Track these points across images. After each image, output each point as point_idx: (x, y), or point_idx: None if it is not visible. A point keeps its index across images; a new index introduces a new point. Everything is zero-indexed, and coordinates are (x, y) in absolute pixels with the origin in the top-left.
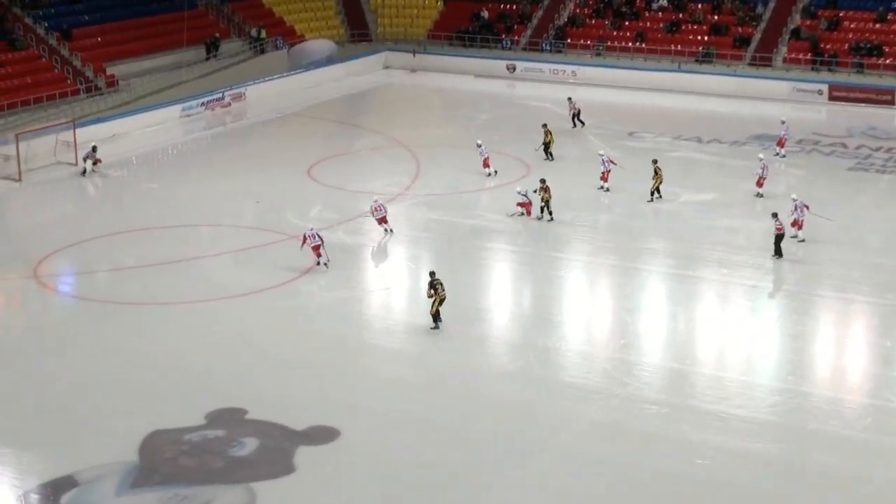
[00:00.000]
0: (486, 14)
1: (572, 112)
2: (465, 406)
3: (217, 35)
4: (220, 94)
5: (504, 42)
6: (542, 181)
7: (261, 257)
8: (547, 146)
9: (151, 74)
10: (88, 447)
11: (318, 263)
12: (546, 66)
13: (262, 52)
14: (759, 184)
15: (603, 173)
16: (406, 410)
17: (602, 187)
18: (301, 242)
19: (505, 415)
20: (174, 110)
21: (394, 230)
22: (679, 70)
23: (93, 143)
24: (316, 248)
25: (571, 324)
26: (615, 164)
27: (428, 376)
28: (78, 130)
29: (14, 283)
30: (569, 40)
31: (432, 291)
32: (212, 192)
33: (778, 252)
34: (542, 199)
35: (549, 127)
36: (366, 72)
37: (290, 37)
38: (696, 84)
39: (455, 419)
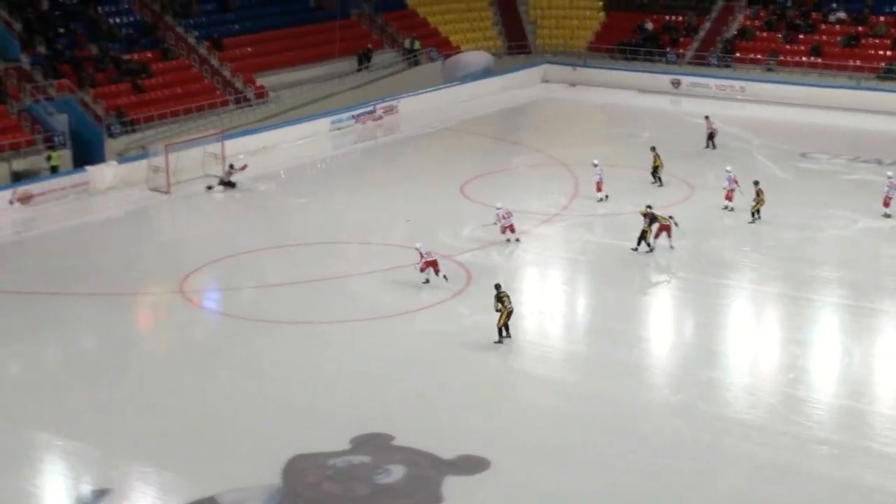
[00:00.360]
0: (650, 26)
1: (708, 132)
2: (621, 439)
3: (370, 46)
4: (372, 107)
5: (669, 55)
6: (648, 207)
7: (411, 277)
8: (655, 170)
9: (301, 86)
10: (231, 468)
11: (441, 276)
12: (713, 82)
13: (416, 63)
14: (886, 203)
15: (727, 192)
16: (559, 441)
17: (727, 207)
18: (422, 266)
19: (663, 450)
20: (324, 123)
21: (520, 239)
22: (858, 87)
23: (229, 162)
24: (432, 264)
25: (735, 355)
26: (738, 184)
27: (582, 406)
28: (226, 142)
29: (159, 297)
30: (738, 54)
31: (499, 305)
32: (361, 208)
33: None
34: (645, 228)
35: (657, 151)
36: (523, 85)
37: (445, 48)
38: (876, 102)
39: (610, 453)
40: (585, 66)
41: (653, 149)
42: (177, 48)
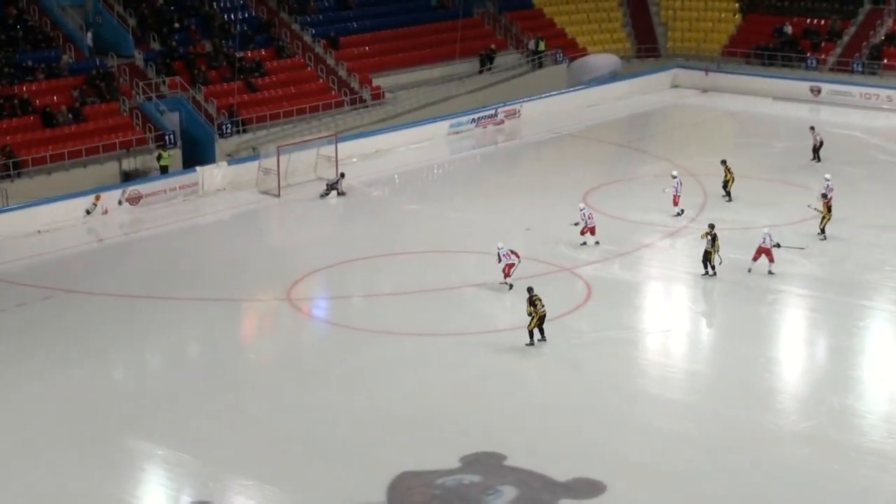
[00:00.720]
0: (789, 29)
1: (814, 144)
2: (744, 468)
3: (493, 47)
4: (493, 111)
5: (809, 61)
6: (710, 226)
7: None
8: (725, 185)
9: (419, 87)
10: (334, 485)
11: (507, 284)
12: (856, 90)
13: (540, 66)
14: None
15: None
16: (679, 467)
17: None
18: (506, 267)
19: (791, 481)
20: (442, 126)
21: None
22: None
23: (341, 171)
24: (510, 267)
25: (871, 381)
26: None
27: (704, 430)
28: (340, 145)
29: (267, 304)
30: (885, 60)
31: (532, 308)
32: (478, 216)
33: None
34: (710, 248)
35: (728, 164)
36: (652, 90)
37: (571, 50)
38: None
39: (734, 482)
40: (718, 70)
41: (723, 162)
42: (291, 46)
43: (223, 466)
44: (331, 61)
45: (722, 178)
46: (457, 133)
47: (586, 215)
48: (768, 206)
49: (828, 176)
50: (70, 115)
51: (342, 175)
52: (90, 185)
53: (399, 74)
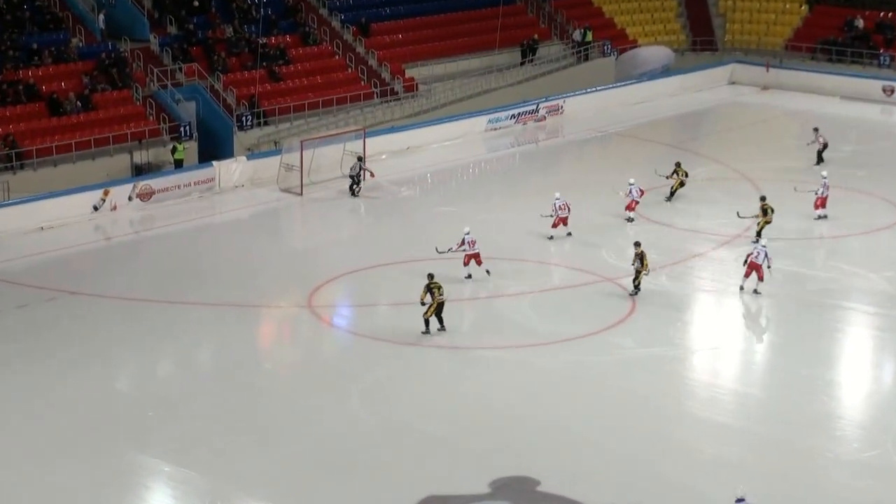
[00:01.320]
0: (860, 23)
1: (819, 147)
2: (800, 499)
3: (535, 37)
4: (534, 106)
5: (882, 58)
6: (637, 244)
7: (568, 301)
8: (672, 191)
9: (455, 79)
10: None
11: (484, 270)
12: None
13: (587, 58)
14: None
15: (820, 199)
16: (726, 496)
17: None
18: (464, 259)
19: None
20: (479, 122)
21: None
22: None
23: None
24: (474, 256)
25: None
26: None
27: (758, 458)
28: (368, 140)
29: (286, 311)
30: None
31: (428, 296)
32: (516, 220)
33: None
34: (639, 268)
35: (681, 167)
36: (707, 87)
37: (620, 42)
38: None
39: None
40: (781, 66)
41: (678, 165)
42: (318, 33)
43: (233, 485)
44: (360, 50)
45: (672, 183)
46: (495, 130)
47: (558, 206)
48: (830, 215)
49: (825, 174)
50: (78, 103)
51: (360, 159)
52: (98, 178)
53: (434, 65)
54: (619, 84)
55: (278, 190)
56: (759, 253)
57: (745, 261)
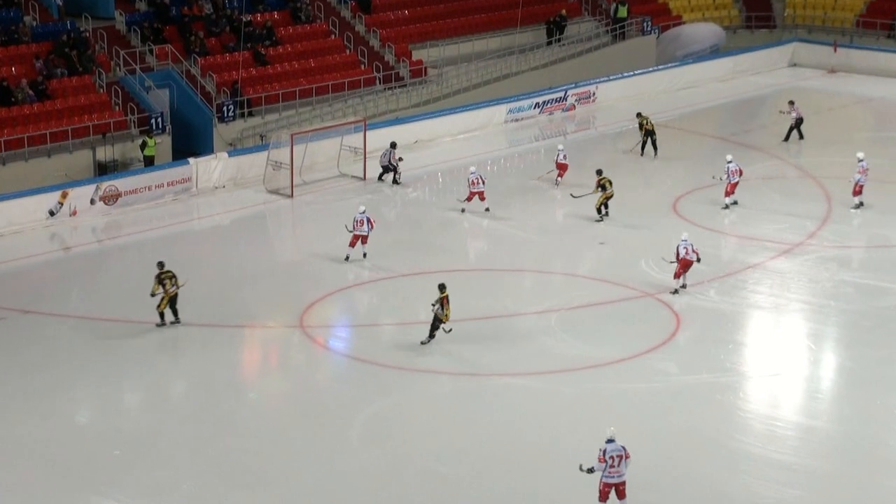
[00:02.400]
0: None
1: (791, 122)
2: None
3: (563, 13)
4: (562, 93)
5: None
6: (441, 287)
7: (602, 319)
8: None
9: (470, 62)
10: None
11: (348, 258)
12: None
13: (623, 37)
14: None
15: (730, 185)
16: None
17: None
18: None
19: None
20: (498, 112)
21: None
22: None
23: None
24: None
25: None
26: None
27: (826, 502)
28: (370, 133)
29: (274, 332)
30: None
31: (159, 288)
32: (540, 226)
33: None
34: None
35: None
36: (764, 70)
37: (662, 18)
38: None
39: None
40: (851, 46)
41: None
42: (311, 9)
43: None
44: (360, 28)
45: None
46: (516, 121)
47: (471, 180)
48: None
49: (730, 157)
50: (31, 92)
51: (393, 145)
52: (55, 179)
53: (445, 46)
54: (660, 67)
55: (265, 191)
56: (687, 248)
57: (674, 259)
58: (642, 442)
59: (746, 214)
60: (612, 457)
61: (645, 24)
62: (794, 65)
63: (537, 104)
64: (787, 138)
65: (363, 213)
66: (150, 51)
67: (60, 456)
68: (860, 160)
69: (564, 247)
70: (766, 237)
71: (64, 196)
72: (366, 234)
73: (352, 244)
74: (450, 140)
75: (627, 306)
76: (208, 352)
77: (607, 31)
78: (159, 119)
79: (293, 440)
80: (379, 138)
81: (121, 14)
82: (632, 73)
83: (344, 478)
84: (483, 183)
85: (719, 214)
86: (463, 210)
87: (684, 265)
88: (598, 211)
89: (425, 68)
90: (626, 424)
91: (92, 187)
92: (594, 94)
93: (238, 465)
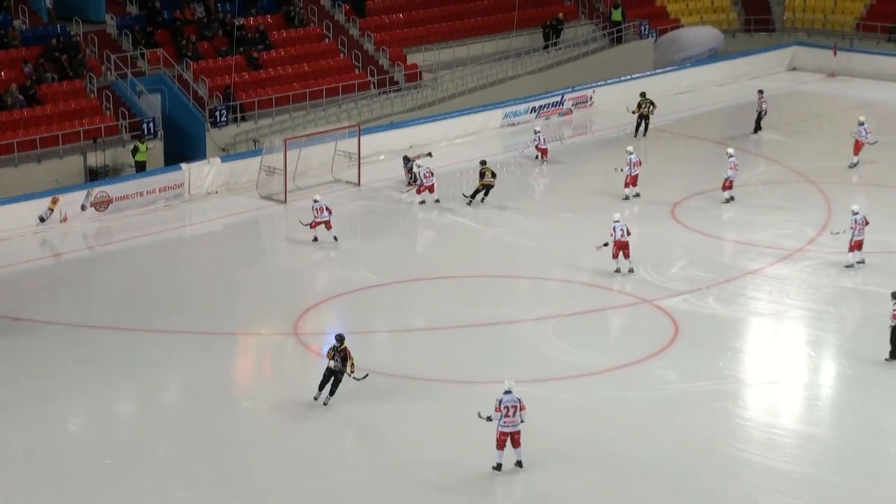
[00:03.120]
0: None
1: (758, 111)
2: None
3: (560, 16)
4: (559, 97)
5: None
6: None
7: (600, 326)
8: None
9: (466, 66)
10: None
11: (316, 239)
12: None
13: (620, 41)
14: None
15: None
16: None
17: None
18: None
19: None
20: (493, 116)
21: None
22: None
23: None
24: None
25: None
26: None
27: None
28: (364, 138)
29: (268, 340)
30: None
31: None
32: (537, 232)
33: None
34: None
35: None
36: (763, 73)
37: (660, 21)
38: None
39: None
40: (851, 49)
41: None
42: (305, 12)
43: None
44: (354, 32)
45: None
46: (512, 126)
47: (423, 174)
48: None
49: (630, 148)
50: (21, 97)
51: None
52: (46, 185)
53: (441, 49)
54: (658, 71)
55: (258, 197)
56: (621, 230)
57: (609, 243)
58: (640, 449)
59: (745, 220)
60: (507, 407)
61: (643, 28)
62: (794, 69)
63: (533, 108)
64: (756, 130)
65: (318, 202)
66: (142, 55)
67: (51, 465)
68: (730, 156)
69: (562, 253)
70: (766, 243)
71: (54, 202)
72: (328, 219)
73: (313, 226)
74: (445, 145)
75: (625, 313)
76: (200, 360)
77: (604, 34)
78: (151, 124)
79: (286, 449)
80: (373, 143)
81: (112, 18)
82: (629, 77)
83: (338, 486)
84: (433, 176)
85: (718, 220)
86: (422, 202)
87: (620, 246)
88: (471, 197)
89: (420, 72)
90: (624, 432)
91: (83, 193)
92: (591, 98)
93: (231, 473)
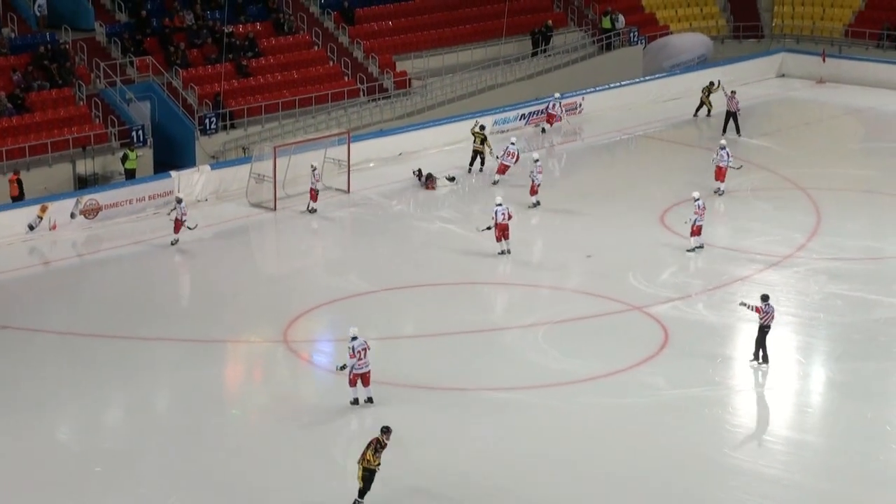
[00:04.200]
0: None
1: (733, 111)
2: None
3: (549, 23)
4: (549, 104)
5: None
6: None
7: (590, 333)
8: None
9: (455, 74)
10: None
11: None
12: None
13: (609, 48)
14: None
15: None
16: None
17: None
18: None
19: None
20: (483, 123)
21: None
22: None
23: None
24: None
25: None
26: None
27: None
28: (354, 145)
29: (258, 347)
30: None
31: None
32: (527, 239)
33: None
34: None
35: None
36: (752, 80)
37: (649, 28)
38: None
39: None
40: (840, 56)
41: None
42: (294, 20)
43: None
44: (344, 39)
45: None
46: (502, 132)
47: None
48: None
49: (512, 138)
50: (10, 105)
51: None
52: (35, 193)
53: (430, 57)
54: (647, 78)
55: (248, 204)
56: (503, 214)
57: (491, 226)
58: (631, 456)
59: (735, 226)
60: (359, 350)
61: (632, 35)
62: (783, 75)
63: (523, 115)
64: (734, 130)
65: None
66: (131, 63)
67: (41, 472)
68: (696, 199)
69: (551, 260)
70: (755, 249)
71: (43, 210)
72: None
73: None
74: (434, 152)
75: (615, 320)
76: (190, 367)
77: (594, 41)
78: (140, 132)
79: (277, 456)
80: (363, 150)
81: (101, 25)
82: (619, 84)
83: (328, 493)
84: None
85: (707, 227)
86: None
87: (501, 229)
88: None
89: (409, 80)
90: (614, 438)
91: (72, 201)
92: (581, 104)
93: (221, 481)
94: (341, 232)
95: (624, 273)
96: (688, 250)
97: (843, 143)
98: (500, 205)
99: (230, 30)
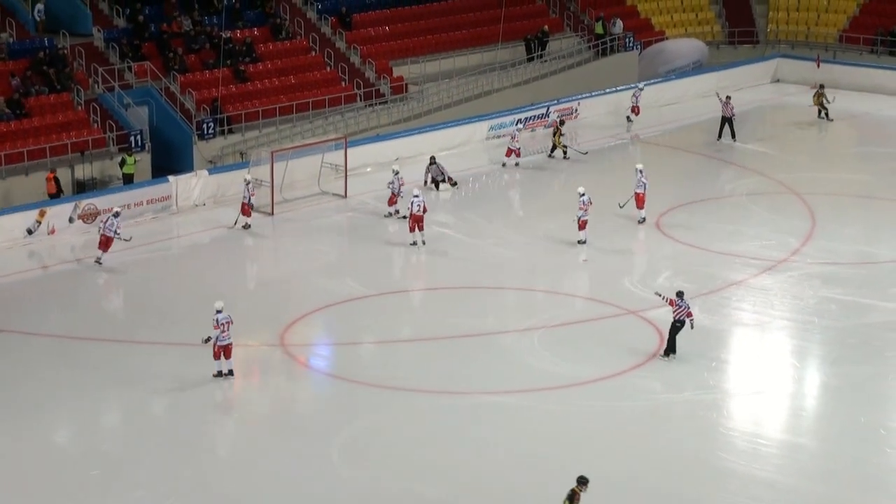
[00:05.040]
0: None
1: (724, 115)
2: None
3: (545, 29)
4: (545, 109)
5: None
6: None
7: (585, 337)
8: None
9: (452, 79)
10: None
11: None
12: None
13: (605, 53)
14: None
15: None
16: None
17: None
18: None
19: None
20: (479, 129)
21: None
22: None
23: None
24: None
25: None
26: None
27: None
28: (351, 150)
29: (254, 351)
30: None
31: None
32: (523, 244)
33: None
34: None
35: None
36: (747, 85)
37: (645, 34)
38: None
39: None
40: (834, 61)
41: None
42: (291, 25)
43: None
44: (341, 45)
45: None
46: (498, 138)
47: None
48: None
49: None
50: (8, 110)
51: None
52: (33, 197)
53: (426, 62)
54: (643, 83)
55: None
56: (418, 206)
57: (407, 215)
58: (626, 459)
59: (730, 231)
60: (223, 324)
61: (627, 40)
62: (778, 80)
63: (519, 121)
64: (728, 136)
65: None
66: (129, 68)
67: (38, 476)
68: (581, 195)
69: (547, 264)
70: (750, 254)
71: (42, 214)
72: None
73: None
74: (429, 158)
75: (611, 324)
76: (186, 371)
77: (589, 46)
78: (138, 137)
79: (273, 460)
80: (360, 155)
81: (99, 31)
82: (615, 89)
83: (324, 497)
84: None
85: (703, 231)
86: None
87: (415, 220)
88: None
89: (406, 85)
90: (609, 442)
91: (70, 206)
92: (577, 109)
93: (217, 485)
94: (338, 236)
95: (619, 277)
96: (579, 241)
97: (838, 148)
98: (416, 196)
99: (228, 35)
